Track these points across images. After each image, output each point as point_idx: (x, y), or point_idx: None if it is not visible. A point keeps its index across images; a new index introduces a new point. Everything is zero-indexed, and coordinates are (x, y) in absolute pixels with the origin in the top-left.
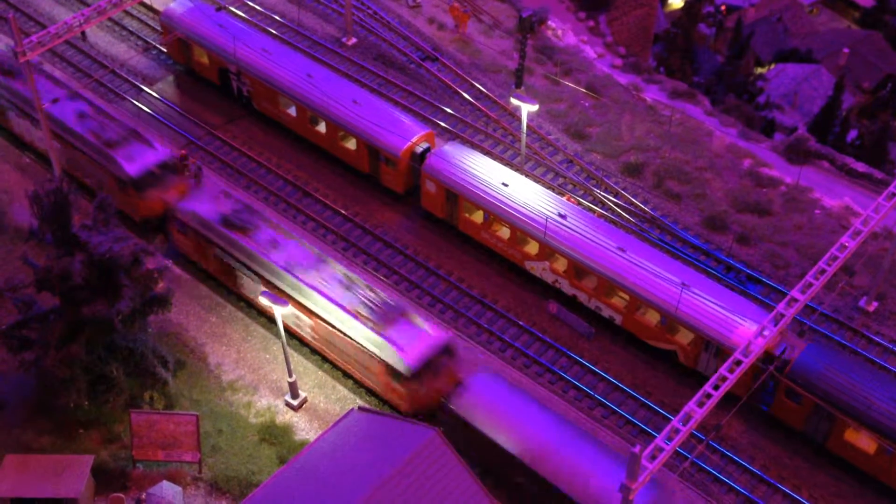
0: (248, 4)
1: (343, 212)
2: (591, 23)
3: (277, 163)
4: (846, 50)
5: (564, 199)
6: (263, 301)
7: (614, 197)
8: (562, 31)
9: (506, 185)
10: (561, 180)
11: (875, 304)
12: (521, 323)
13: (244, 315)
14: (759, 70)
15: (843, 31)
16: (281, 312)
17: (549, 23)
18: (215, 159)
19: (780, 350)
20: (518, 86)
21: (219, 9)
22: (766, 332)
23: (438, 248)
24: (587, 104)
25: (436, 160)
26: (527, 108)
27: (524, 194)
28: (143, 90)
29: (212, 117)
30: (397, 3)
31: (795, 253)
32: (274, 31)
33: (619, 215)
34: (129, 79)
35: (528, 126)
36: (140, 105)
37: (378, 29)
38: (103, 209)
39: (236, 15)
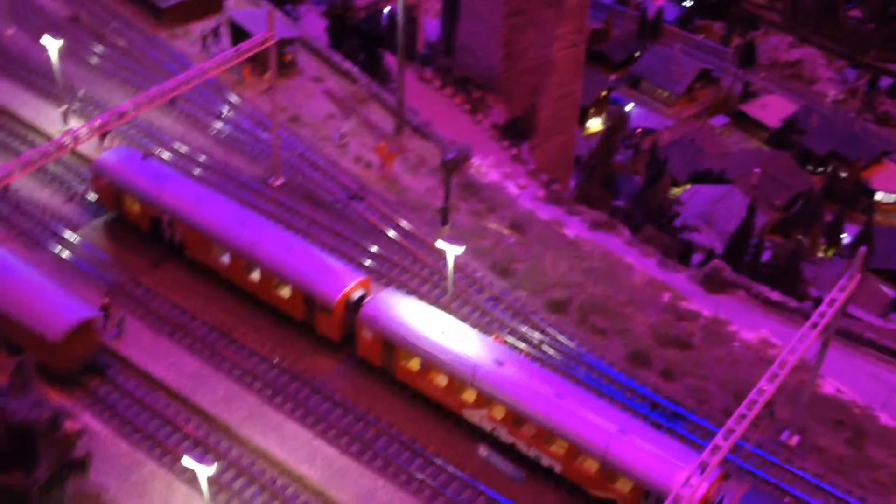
0: (176, 150)
1: (273, 360)
2: (515, 151)
3: (203, 308)
4: (757, 170)
5: (492, 338)
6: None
7: (541, 334)
8: (485, 168)
9: (443, 332)
10: (488, 319)
11: (797, 437)
12: (450, 469)
13: (166, 472)
14: (676, 189)
15: (754, 152)
16: (206, 475)
17: (473, 160)
18: (139, 306)
19: (719, 499)
20: (444, 224)
21: (145, 156)
22: (692, 482)
23: (373, 395)
24: (512, 241)
25: (372, 308)
26: (453, 252)
27: (461, 342)
28: (66, 237)
29: (137, 262)
30: (324, 143)
31: (717, 387)
32: (200, 172)
33: (546, 353)
34: (53, 225)
35: (454, 264)
36: (63, 252)
37: (305, 168)
38: (21, 373)
39: (164, 160)
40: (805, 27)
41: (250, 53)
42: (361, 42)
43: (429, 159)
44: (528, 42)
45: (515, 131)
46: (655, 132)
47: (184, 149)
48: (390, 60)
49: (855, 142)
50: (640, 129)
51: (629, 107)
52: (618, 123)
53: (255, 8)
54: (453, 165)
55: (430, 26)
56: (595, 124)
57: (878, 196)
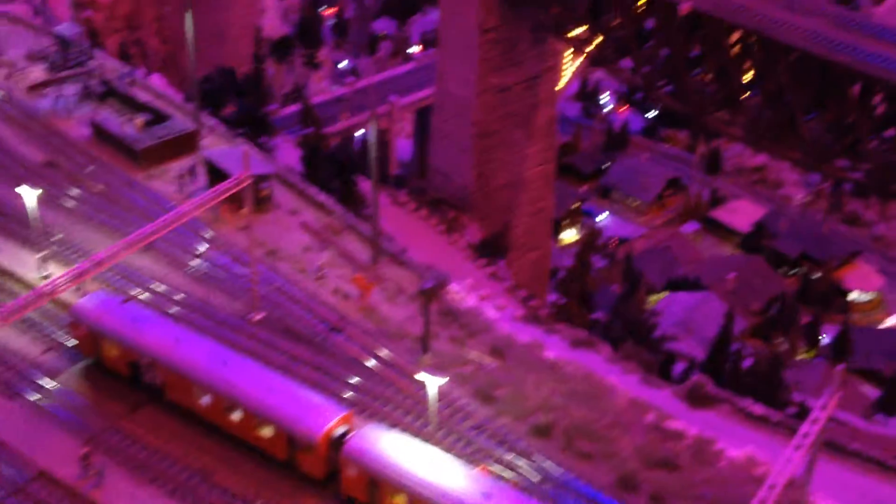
0: (154, 290)
1: (256, 503)
2: (491, 269)
3: (184, 451)
4: (732, 275)
5: (479, 470)
6: None
7: (526, 461)
8: (463, 293)
9: (430, 466)
10: (473, 448)
11: None
12: None
13: None
14: (653, 297)
15: (727, 257)
16: None
17: (451, 286)
18: (119, 453)
19: None
20: (424, 352)
21: (126, 300)
22: None
23: None
24: (493, 366)
25: (356, 444)
26: (434, 384)
27: (448, 476)
28: (44, 384)
29: (116, 408)
30: (302, 275)
31: None
32: (179, 311)
33: (533, 481)
34: (30, 373)
35: (435, 392)
36: (41, 400)
37: (284, 303)
38: None
39: (142, 301)
40: (766, 139)
41: (227, 194)
42: (336, 170)
43: (407, 287)
44: (500, 162)
45: (491, 249)
46: (629, 241)
47: (162, 288)
48: (365, 186)
49: (825, 243)
50: (614, 239)
51: (602, 217)
52: (591, 240)
53: (229, 146)
54: (431, 294)
55: (403, 147)
56: (569, 236)
57: (853, 296)
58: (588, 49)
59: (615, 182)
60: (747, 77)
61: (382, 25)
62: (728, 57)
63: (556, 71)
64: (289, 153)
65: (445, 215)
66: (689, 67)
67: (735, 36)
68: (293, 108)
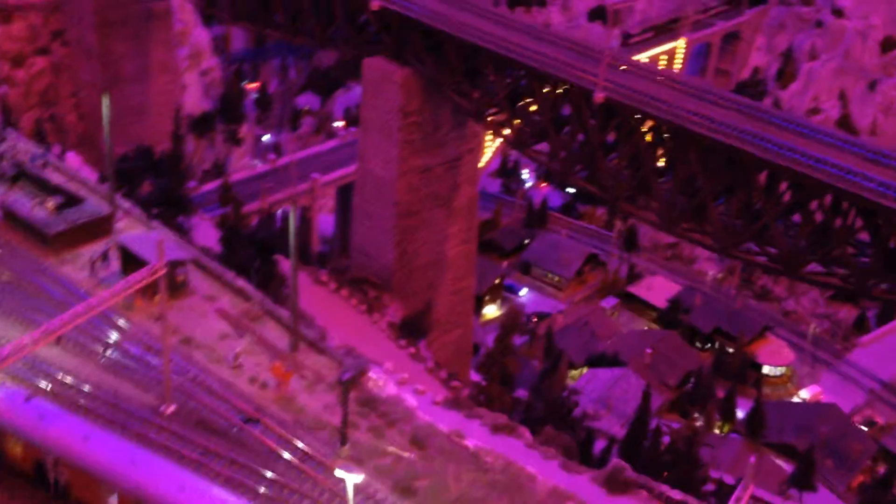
0: (61, 382)
1: None
2: (413, 349)
3: None
4: (649, 350)
5: None
6: None
7: None
8: (383, 380)
9: None
10: None
11: None
12: None
13: None
14: (574, 372)
15: (644, 332)
16: None
17: (371, 372)
18: None
19: None
20: (342, 444)
21: (30, 396)
22: None
23: None
24: (412, 456)
25: None
26: (352, 480)
27: None
28: None
29: None
30: (218, 364)
31: None
32: (88, 404)
33: None
34: None
35: (354, 487)
36: None
37: (198, 393)
38: None
39: (49, 394)
40: (678, 225)
41: (141, 285)
42: (255, 250)
43: (326, 375)
44: (422, 241)
45: (412, 329)
46: (550, 316)
47: (70, 380)
48: (286, 265)
49: (737, 318)
50: (535, 316)
51: (523, 292)
52: (513, 322)
53: (145, 230)
54: (350, 384)
55: (326, 223)
56: (491, 311)
57: (765, 370)
58: (506, 133)
59: (536, 258)
60: (661, 162)
61: (306, 100)
62: (641, 144)
63: (476, 152)
64: (207, 233)
65: (366, 294)
66: (604, 153)
67: (648, 124)
68: (213, 185)
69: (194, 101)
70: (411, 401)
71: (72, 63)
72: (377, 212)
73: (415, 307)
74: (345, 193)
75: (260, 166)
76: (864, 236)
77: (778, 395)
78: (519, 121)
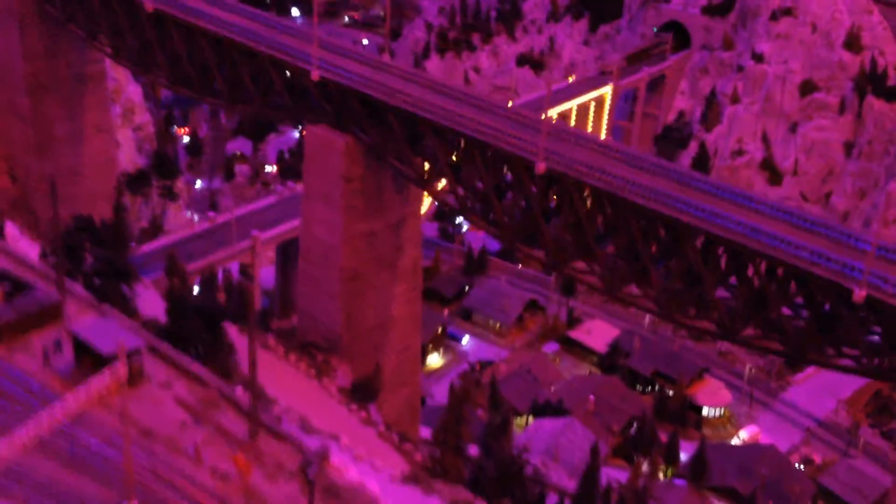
0: (15, 479)
1: None
2: (363, 413)
3: None
4: (592, 397)
5: None
6: None
7: None
8: (343, 462)
9: None
10: None
11: None
12: None
13: None
14: (519, 420)
15: (586, 377)
16: None
17: (332, 457)
18: None
19: None
20: None
21: None
22: None
23: None
24: None
25: None
26: None
27: None
28: None
29: None
30: (178, 456)
31: None
32: (44, 501)
33: None
34: None
35: None
36: None
37: (160, 489)
38: None
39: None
40: (620, 289)
41: (96, 375)
42: (203, 321)
43: (286, 462)
44: (368, 304)
45: (362, 392)
46: (493, 364)
47: (24, 477)
48: (233, 332)
49: (676, 360)
50: (478, 364)
51: (465, 340)
52: (465, 394)
53: (96, 315)
54: (312, 475)
55: (266, 274)
56: (434, 360)
57: (705, 411)
58: (449, 200)
59: (476, 304)
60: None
61: (238, 146)
62: (582, 212)
63: (418, 214)
64: (152, 302)
65: (315, 359)
66: (546, 220)
67: (588, 191)
68: (153, 246)
69: (129, 158)
70: (372, 485)
71: (3, 126)
72: (323, 276)
73: (363, 369)
74: (285, 250)
75: (199, 224)
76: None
77: (718, 435)
78: (461, 189)
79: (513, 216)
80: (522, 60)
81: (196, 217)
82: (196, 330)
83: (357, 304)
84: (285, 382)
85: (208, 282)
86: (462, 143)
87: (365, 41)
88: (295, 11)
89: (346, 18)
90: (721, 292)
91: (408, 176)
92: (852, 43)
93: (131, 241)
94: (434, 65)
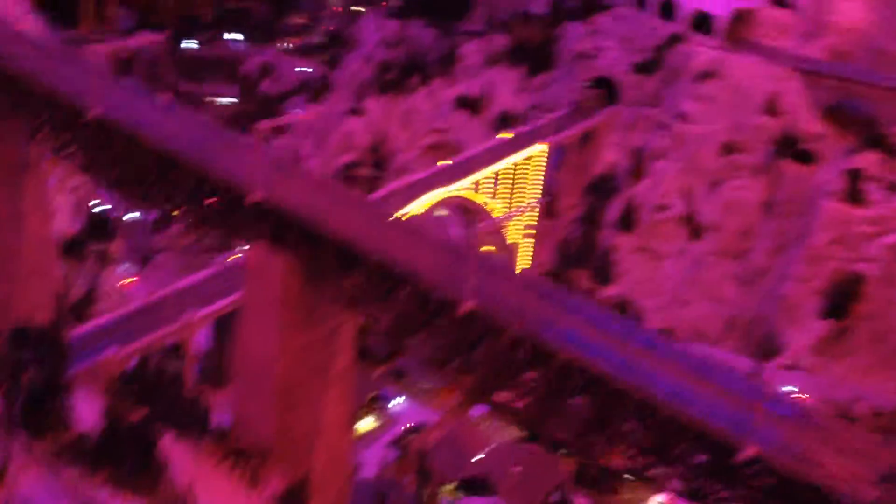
0: None
1: None
2: None
3: None
4: (516, 469)
5: None
6: None
7: None
8: None
9: None
10: None
11: None
12: None
13: None
14: (448, 487)
15: (511, 446)
16: None
17: None
18: None
19: None
20: None
21: None
22: None
23: None
24: None
25: None
26: None
27: None
28: None
29: None
30: None
31: None
32: None
33: None
34: None
35: None
36: None
37: None
38: None
39: None
40: (542, 421)
41: None
42: (136, 437)
43: None
44: (301, 412)
45: (294, 500)
46: (422, 430)
47: None
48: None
49: None
50: (408, 430)
51: (398, 400)
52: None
53: (47, 476)
54: None
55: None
56: (366, 424)
57: (626, 476)
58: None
59: (409, 364)
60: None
61: None
62: (503, 349)
63: (353, 321)
64: (88, 410)
65: (248, 465)
66: (468, 352)
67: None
68: (88, 328)
69: (65, 224)
70: None
71: None
72: (258, 384)
73: (295, 475)
74: (222, 324)
75: (134, 302)
76: None
77: (638, 499)
78: (388, 313)
79: (436, 347)
80: (459, 103)
81: (132, 271)
82: (129, 450)
83: (290, 412)
84: (219, 492)
85: (141, 374)
86: (390, 272)
87: (309, 70)
88: (237, 36)
89: (284, 45)
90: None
91: (340, 298)
92: (771, 107)
93: (68, 347)
94: (373, 106)
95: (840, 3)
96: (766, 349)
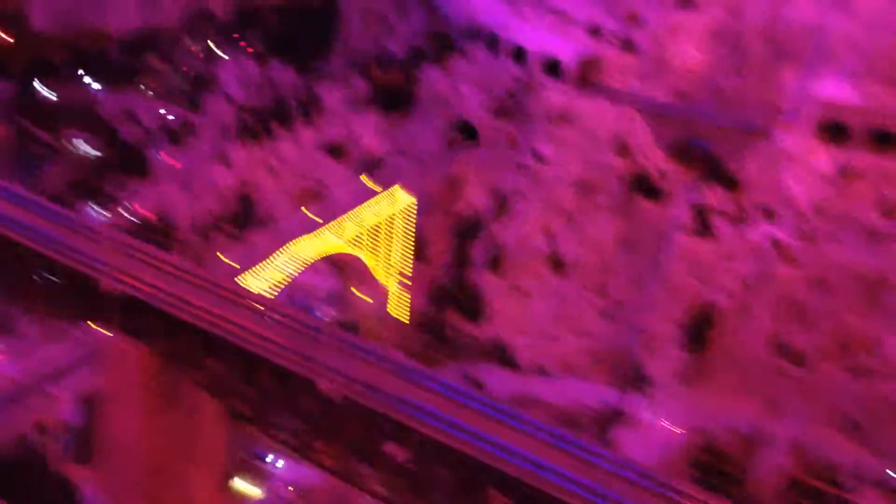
0: None
1: None
2: None
3: None
4: None
5: None
6: None
7: None
8: None
9: None
10: None
11: None
12: None
13: None
14: None
15: None
16: None
17: None
18: None
19: None
20: None
21: None
22: None
23: None
24: None
25: None
26: None
27: None
28: None
29: None
30: None
31: None
32: None
33: None
34: None
35: None
36: None
37: None
38: None
39: None
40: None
41: None
42: None
43: None
44: (170, 494)
45: None
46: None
47: None
48: None
49: None
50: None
51: (275, 460)
52: None
53: None
54: None
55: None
56: (242, 485)
57: None
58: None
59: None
60: None
61: None
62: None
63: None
64: None
65: None
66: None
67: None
68: None
69: None
70: None
71: None
72: (125, 464)
73: None
74: (86, 402)
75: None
76: None
77: None
78: (253, 395)
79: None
80: (324, 148)
81: None
82: None
83: (159, 491)
84: None
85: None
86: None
87: (170, 116)
88: (87, 79)
89: (143, 87)
90: None
91: (201, 383)
92: (620, 147)
93: None
94: (238, 156)
95: (679, 46)
96: (632, 380)
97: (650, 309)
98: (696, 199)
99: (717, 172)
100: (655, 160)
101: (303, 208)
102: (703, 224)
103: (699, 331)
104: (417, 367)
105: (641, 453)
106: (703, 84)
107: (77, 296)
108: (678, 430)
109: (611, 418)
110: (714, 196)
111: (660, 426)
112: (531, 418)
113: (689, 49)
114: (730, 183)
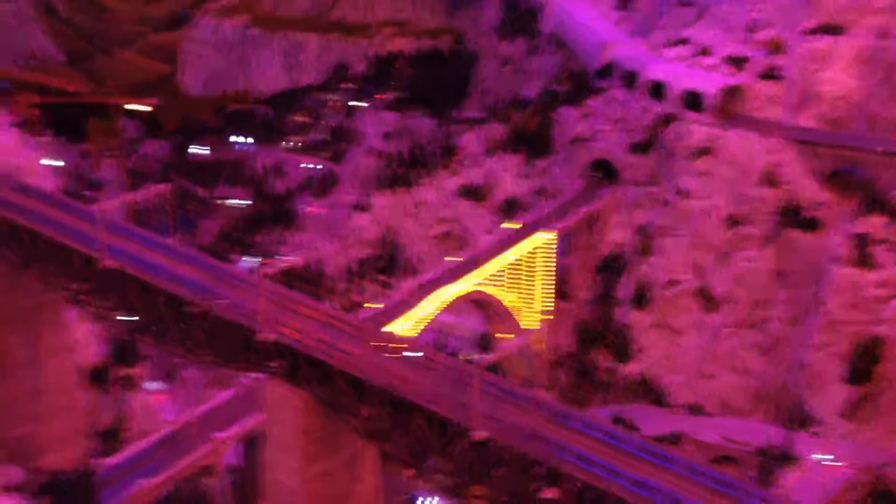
0: None
1: None
2: None
3: None
4: None
5: None
6: None
7: None
8: None
9: None
10: None
11: None
12: None
13: None
14: None
15: None
16: None
17: None
18: None
19: None
20: None
21: None
22: None
23: None
24: None
25: None
26: None
27: None
28: None
29: None
30: None
31: None
32: None
33: None
34: None
35: None
36: None
37: None
38: None
39: None
40: None
41: None
42: None
43: None
44: None
45: None
46: None
47: None
48: None
49: None
50: None
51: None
52: None
53: None
54: None
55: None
56: None
57: None
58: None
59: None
60: None
61: None
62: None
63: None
64: None
65: None
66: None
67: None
68: (117, 460)
69: (89, 352)
70: None
71: None
72: None
73: None
74: (249, 446)
75: (160, 433)
76: None
77: None
78: (408, 440)
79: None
80: (464, 192)
81: (159, 388)
82: None
83: None
84: None
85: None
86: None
87: (319, 166)
88: (236, 137)
89: (287, 143)
90: None
91: (357, 430)
92: (770, 178)
93: (98, 485)
94: (381, 202)
95: (827, 73)
96: (796, 418)
97: (811, 344)
98: (855, 228)
99: (876, 200)
100: (808, 190)
101: (445, 251)
102: (863, 254)
103: (864, 365)
104: (569, 412)
105: (807, 494)
106: (856, 110)
107: (235, 345)
108: (845, 469)
109: (774, 457)
110: (873, 225)
111: (825, 465)
112: (690, 462)
113: (838, 75)
114: (890, 211)
